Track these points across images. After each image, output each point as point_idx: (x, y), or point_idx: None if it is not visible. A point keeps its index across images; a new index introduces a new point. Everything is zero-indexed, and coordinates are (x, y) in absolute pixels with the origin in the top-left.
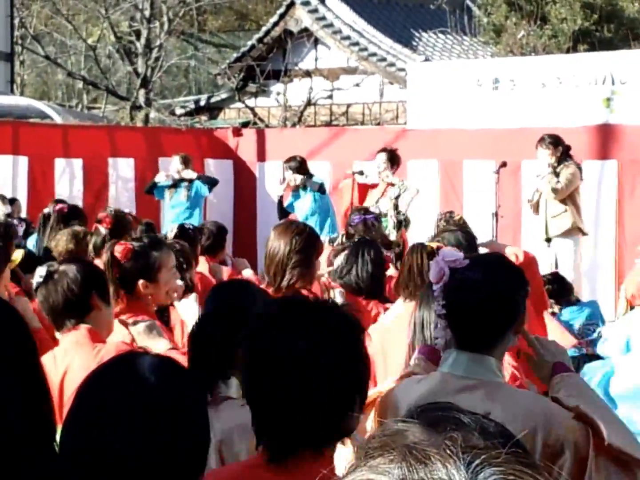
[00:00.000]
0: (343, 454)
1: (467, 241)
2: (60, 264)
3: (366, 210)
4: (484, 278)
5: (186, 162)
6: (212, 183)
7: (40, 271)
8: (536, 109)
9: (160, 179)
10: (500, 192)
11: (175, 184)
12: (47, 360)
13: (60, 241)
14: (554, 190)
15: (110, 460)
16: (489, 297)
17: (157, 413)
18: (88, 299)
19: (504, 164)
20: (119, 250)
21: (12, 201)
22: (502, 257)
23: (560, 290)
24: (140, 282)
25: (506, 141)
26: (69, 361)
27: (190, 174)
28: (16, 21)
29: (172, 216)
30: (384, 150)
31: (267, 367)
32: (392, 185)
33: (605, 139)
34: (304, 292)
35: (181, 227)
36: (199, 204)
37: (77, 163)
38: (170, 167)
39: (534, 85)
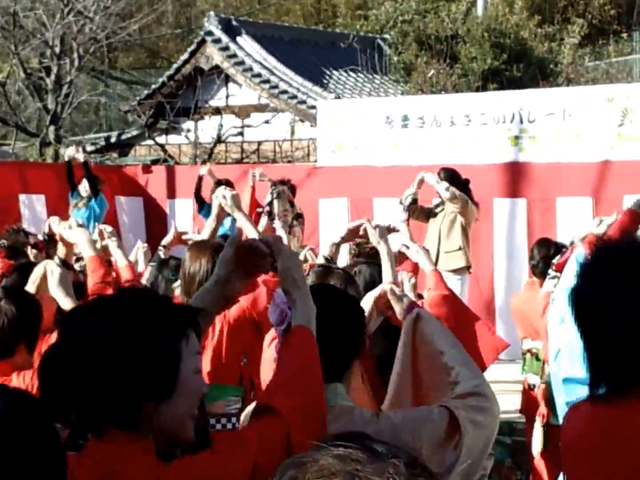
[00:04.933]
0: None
1: (380, 275)
2: (6, 294)
3: None
4: (321, 311)
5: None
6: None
7: None
8: (445, 146)
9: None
10: (411, 230)
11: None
12: None
13: None
14: (451, 198)
15: None
16: (328, 328)
17: None
18: (14, 347)
19: (414, 202)
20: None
21: None
22: (334, 288)
23: None
24: None
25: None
26: None
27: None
28: None
29: None
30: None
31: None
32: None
33: (514, 176)
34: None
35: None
36: (98, 219)
37: None
38: (80, 188)
39: (443, 123)
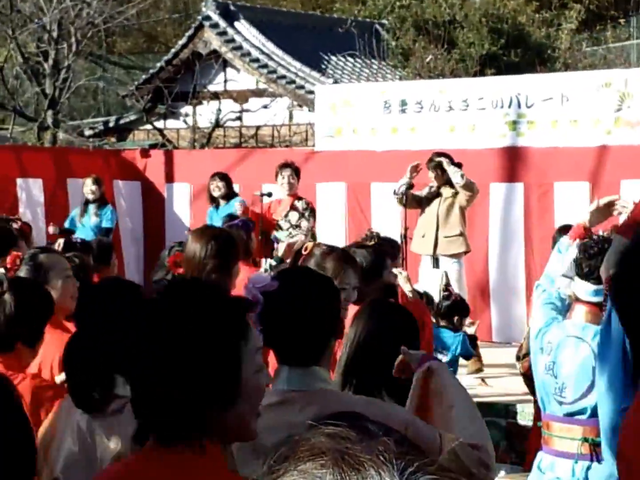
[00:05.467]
0: None
1: (370, 263)
2: (11, 284)
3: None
4: (294, 293)
5: (99, 183)
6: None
7: None
8: (443, 131)
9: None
10: (408, 214)
11: (86, 205)
12: None
13: None
14: (465, 185)
15: None
16: (302, 310)
17: None
18: (14, 343)
19: (411, 186)
20: (8, 260)
21: None
22: (308, 270)
23: (463, 307)
24: None
25: None
26: None
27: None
28: None
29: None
30: (286, 165)
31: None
32: (299, 199)
33: (512, 161)
34: None
35: (67, 241)
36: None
37: None
38: (84, 189)
39: (441, 107)
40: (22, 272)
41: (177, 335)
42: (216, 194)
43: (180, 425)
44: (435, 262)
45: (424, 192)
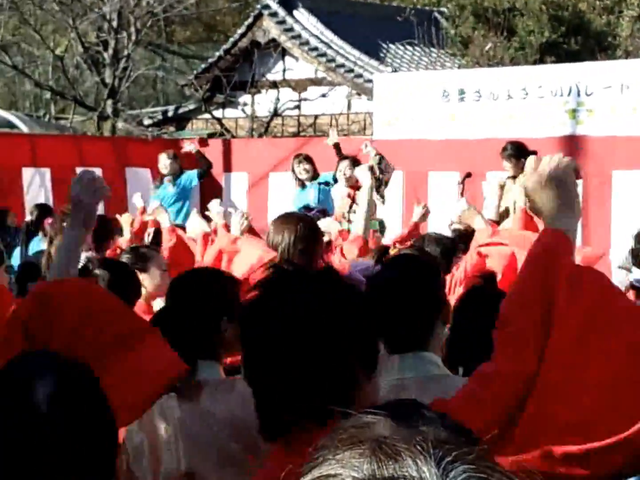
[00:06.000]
0: None
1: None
2: (100, 263)
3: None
4: (399, 277)
5: (174, 157)
6: (202, 174)
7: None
8: (502, 120)
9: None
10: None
11: (162, 179)
12: None
13: None
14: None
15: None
16: (407, 294)
17: (49, 442)
18: None
19: (468, 175)
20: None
21: None
22: (412, 256)
23: None
24: None
25: (471, 152)
26: None
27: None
28: None
29: None
30: (345, 157)
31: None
32: (358, 189)
33: (571, 149)
34: None
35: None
36: (187, 195)
37: (46, 172)
38: (159, 164)
39: (500, 96)
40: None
41: (335, 312)
42: (303, 176)
43: (336, 403)
44: None
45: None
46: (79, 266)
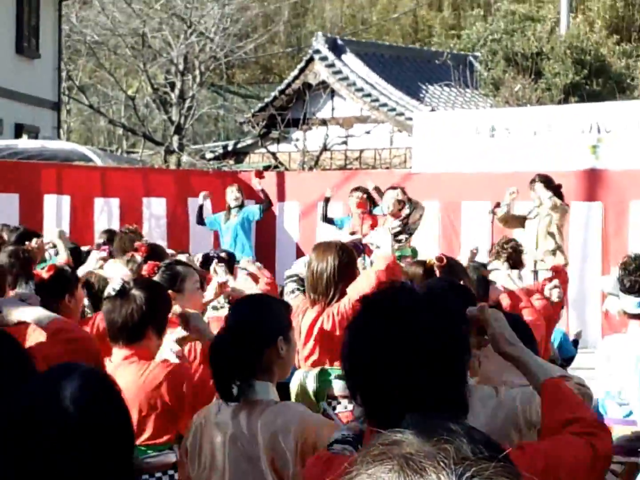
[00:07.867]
0: None
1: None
2: (135, 284)
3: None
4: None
5: (241, 191)
6: (264, 209)
7: (115, 284)
8: (528, 154)
9: (201, 200)
10: (495, 231)
11: (229, 210)
12: None
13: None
14: (552, 207)
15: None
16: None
17: (75, 439)
18: (144, 330)
19: (498, 205)
20: (145, 267)
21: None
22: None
23: None
24: (169, 291)
25: (501, 184)
26: (117, 376)
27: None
28: (64, 74)
29: (227, 240)
30: (393, 187)
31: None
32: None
33: (592, 182)
34: None
35: (206, 256)
36: (247, 228)
37: (115, 202)
38: (227, 196)
39: (527, 133)
40: (157, 279)
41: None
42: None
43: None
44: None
45: (527, 211)
46: (118, 287)
